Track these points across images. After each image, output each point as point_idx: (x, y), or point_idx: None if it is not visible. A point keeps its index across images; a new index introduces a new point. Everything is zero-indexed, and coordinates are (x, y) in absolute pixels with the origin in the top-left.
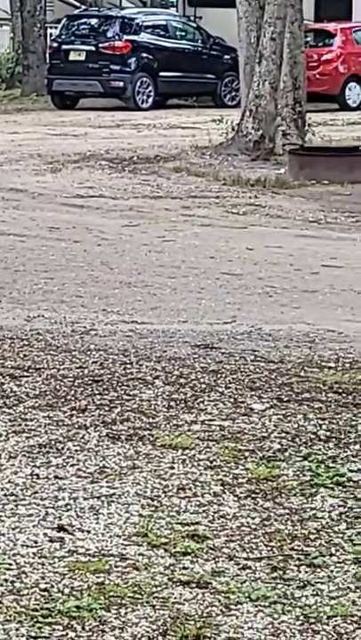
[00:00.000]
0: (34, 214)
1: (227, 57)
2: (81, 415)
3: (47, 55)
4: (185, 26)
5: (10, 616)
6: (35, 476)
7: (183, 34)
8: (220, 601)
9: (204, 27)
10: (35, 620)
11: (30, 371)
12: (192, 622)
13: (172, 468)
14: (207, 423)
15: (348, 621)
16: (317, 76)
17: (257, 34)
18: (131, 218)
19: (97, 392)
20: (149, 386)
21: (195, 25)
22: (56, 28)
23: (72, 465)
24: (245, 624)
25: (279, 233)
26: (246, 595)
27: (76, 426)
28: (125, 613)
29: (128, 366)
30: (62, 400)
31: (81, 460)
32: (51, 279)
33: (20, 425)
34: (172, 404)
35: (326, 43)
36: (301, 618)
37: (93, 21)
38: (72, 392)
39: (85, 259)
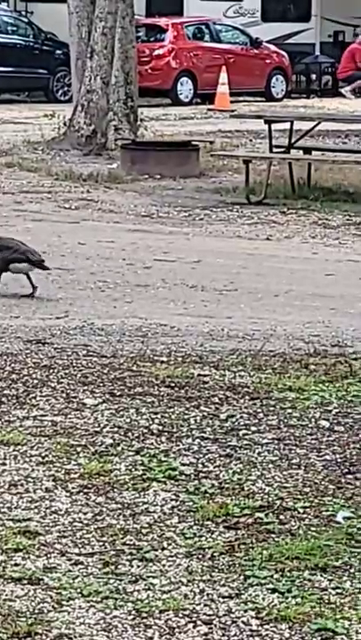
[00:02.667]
0: None
1: (59, 52)
2: None
3: None
4: (16, 21)
5: None
6: None
7: (15, 29)
8: (51, 597)
9: (36, 22)
10: None
11: None
12: (23, 619)
13: (4, 464)
14: (39, 419)
15: (180, 615)
16: (149, 70)
17: (88, 29)
18: None
19: None
20: None
21: (26, 20)
22: None
23: None
24: (77, 619)
25: (112, 227)
26: (78, 590)
27: None
28: None
29: None
30: None
31: None
32: None
33: None
34: (4, 399)
35: (158, 38)
36: (133, 612)
37: None
38: None
39: None
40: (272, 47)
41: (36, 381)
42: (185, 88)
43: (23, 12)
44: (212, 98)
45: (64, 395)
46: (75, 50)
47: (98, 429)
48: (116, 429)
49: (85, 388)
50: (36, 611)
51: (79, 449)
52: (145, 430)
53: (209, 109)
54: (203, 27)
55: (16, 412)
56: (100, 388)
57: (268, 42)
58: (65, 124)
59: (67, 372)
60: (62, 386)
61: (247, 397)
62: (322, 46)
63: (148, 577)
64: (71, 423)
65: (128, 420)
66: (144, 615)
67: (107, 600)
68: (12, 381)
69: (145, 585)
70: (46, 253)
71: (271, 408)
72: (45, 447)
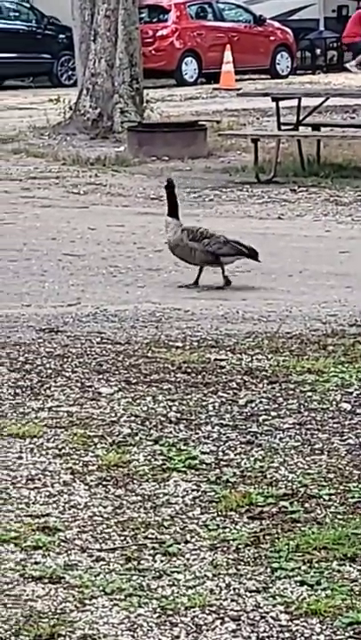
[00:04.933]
0: None
1: (62, 36)
2: None
3: None
4: (18, 6)
5: None
6: None
7: (17, 14)
8: (73, 596)
9: (38, 6)
10: None
11: None
12: (46, 620)
13: (20, 457)
14: (55, 410)
15: (207, 612)
16: (153, 52)
17: (91, 12)
18: None
19: None
20: None
21: (28, 5)
22: None
23: None
24: (101, 619)
25: (121, 211)
26: (101, 588)
27: None
28: None
29: None
30: None
31: None
32: None
33: None
34: (18, 391)
35: (161, 18)
36: (158, 610)
37: None
38: None
39: None
40: (276, 24)
41: (50, 371)
42: (190, 68)
43: None
44: (217, 77)
45: (79, 384)
46: (78, 33)
47: (115, 419)
48: (133, 418)
49: (100, 376)
50: (58, 611)
51: (96, 440)
52: (163, 418)
53: (214, 89)
54: (205, 6)
55: (31, 403)
56: (115, 376)
57: (271, 19)
58: (70, 108)
59: (81, 360)
60: (77, 375)
61: (266, 381)
62: (326, 21)
63: (172, 572)
64: (87, 413)
65: (145, 409)
66: (169, 613)
67: (130, 598)
68: (26, 372)
69: (169, 580)
70: (56, 240)
71: (291, 392)
72: (62, 439)
